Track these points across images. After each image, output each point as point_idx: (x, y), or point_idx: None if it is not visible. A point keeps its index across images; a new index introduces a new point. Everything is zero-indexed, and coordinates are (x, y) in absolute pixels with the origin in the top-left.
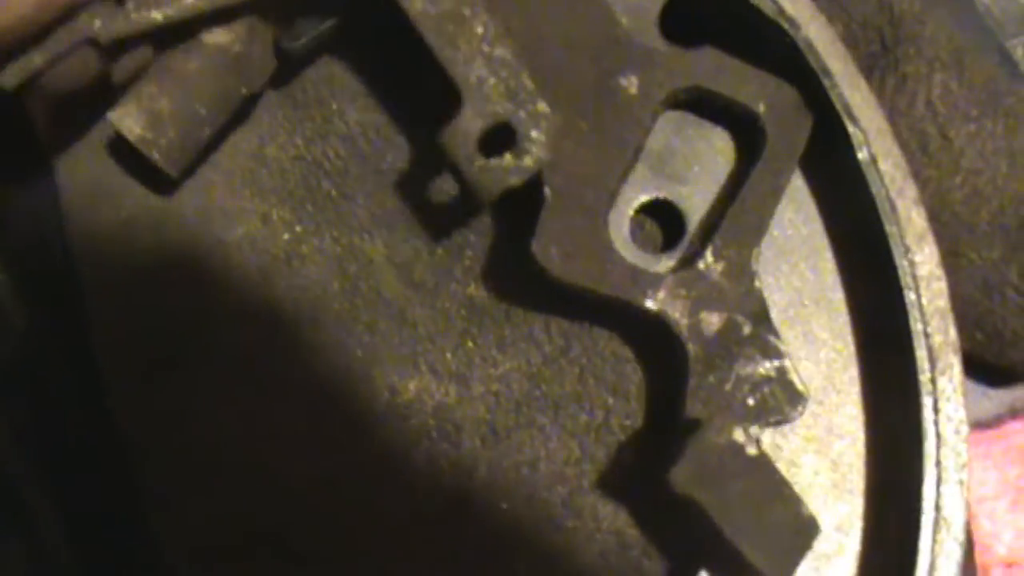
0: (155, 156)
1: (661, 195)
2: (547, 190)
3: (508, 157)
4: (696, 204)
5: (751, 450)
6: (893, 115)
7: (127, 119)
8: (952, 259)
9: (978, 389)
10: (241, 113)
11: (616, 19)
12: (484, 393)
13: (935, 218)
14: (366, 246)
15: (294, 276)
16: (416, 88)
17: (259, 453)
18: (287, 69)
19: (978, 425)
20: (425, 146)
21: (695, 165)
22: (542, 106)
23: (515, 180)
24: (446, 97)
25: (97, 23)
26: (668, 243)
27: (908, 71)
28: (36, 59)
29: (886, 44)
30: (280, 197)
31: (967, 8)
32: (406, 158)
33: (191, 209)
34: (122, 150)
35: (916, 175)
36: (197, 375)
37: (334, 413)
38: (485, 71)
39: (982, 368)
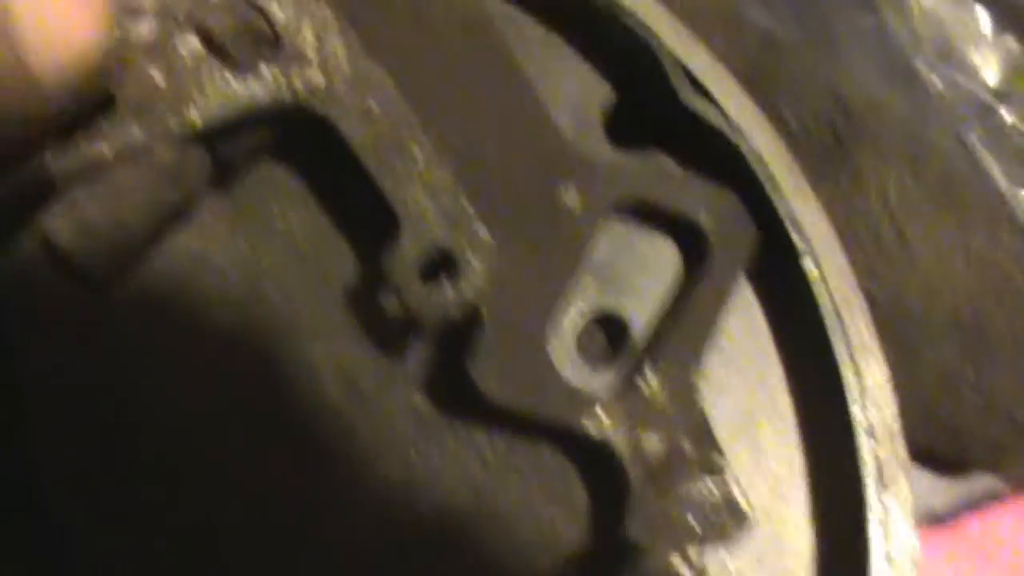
0: (81, 265)
1: (606, 305)
2: (484, 310)
3: (447, 286)
4: (642, 314)
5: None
6: (847, 211)
7: (56, 226)
8: (908, 356)
9: (934, 479)
10: (180, 215)
11: (557, 129)
12: (429, 507)
13: (890, 316)
14: (309, 352)
15: (236, 386)
16: (357, 196)
17: (203, 561)
18: (227, 172)
19: (934, 518)
20: (368, 253)
21: (641, 274)
22: (481, 232)
23: (454, 309)
24: (385, 216)
25: (48, 156)
26: (614, 351)
27: (862, 165)
28: None
29: (840, 138)
30: (222, 300)
31: (921, 95)
32: (349, 263)
33: (129, 313)
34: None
35: (871, 272)
36: (140, 482)
37: (278, 525)
38: (423, 196)
39: (939, 461)
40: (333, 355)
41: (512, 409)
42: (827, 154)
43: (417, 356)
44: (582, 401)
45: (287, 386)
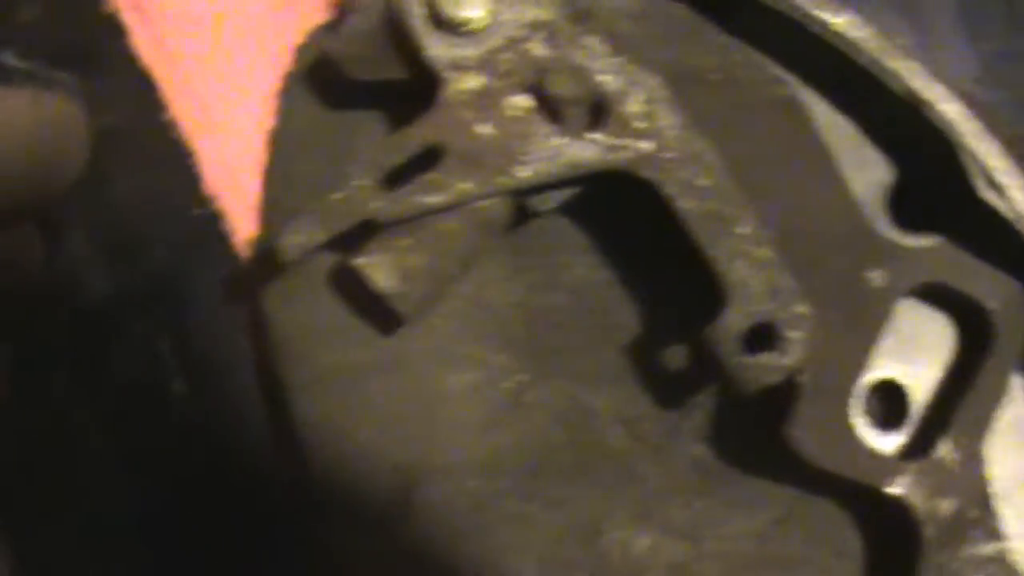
0: (403, 309)
1: (888, 375)
2: (802, 379)
3: (770, 356)
4: (918, 385)
5: None
6: None
7: (377, 269)
8: None
9: None
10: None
11: (862, 214)
12: (716, 552)
13: None
14: (591, 399)
15: (518, 425)
16: (648, 255)
17: None
18: (517, 221)
19: None
20: (654, 310)
21: (918, 348)
22: (802, 307)
23: (775, 378)
24: (690, 280)
25: (377, 205)
26: (888, 419)
27: None
28: (318, 236)
29: None
30: (500, 343)
31: None
32: (634, 317)
33: (418, 353)
34: (346, 291)
35: None
36: (425, 525)
37: (568, 567)
38: (749, 271)
39: None
40: (615, 403)
41: (824, 470)
42: None
43: (701, 409)
44: (888, 466)
45: (569, 431)
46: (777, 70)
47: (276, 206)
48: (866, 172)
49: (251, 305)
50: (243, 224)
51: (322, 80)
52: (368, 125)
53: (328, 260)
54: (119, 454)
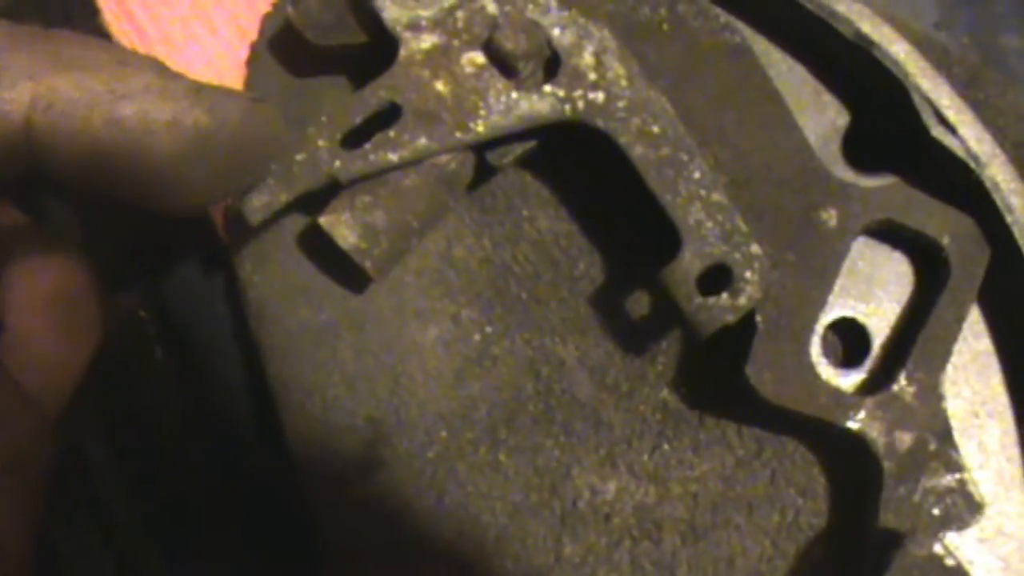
0: (367, 265)
1: (848, 314)
2: (759, 318)
3: (725, 296)
4: (878, 323)
5: (949, 562)
6: None
7: (341, 227)
8: None
9: None
10: (445, 213)
11: (814, 155)
12: (682, 493)
13: None
14: (558, 349)
15: (487, 376)
16: (609, 205)
17: (461, 553)
18: (480, 177)
19: None
20: (617, 258)
21: (876, 286)
22: (755, 248)
23: (731, 318)
24: (650, 227)
25: (338, 164)
26: (849, 357)
27: None
28: (282, 197)
29: None
30: (469, 298)
31: None
32: (598, 267)
33: (387, 310)
34: (316, 252)
35: None
36: (396, 477)
37: (537, 512)
38: (703, 215)
39: None
40: (582, 352)
41: (784, 407)
42: None
43: (665, 355)
44: (845, 401)
45: (537, 381)
46: (727, 18)
47: None
48: (821, 115)
49: (227, 271)
50: None
51: (287, 48)
52: (333, 89)
53: (298, 222)
54: (107, 423)
